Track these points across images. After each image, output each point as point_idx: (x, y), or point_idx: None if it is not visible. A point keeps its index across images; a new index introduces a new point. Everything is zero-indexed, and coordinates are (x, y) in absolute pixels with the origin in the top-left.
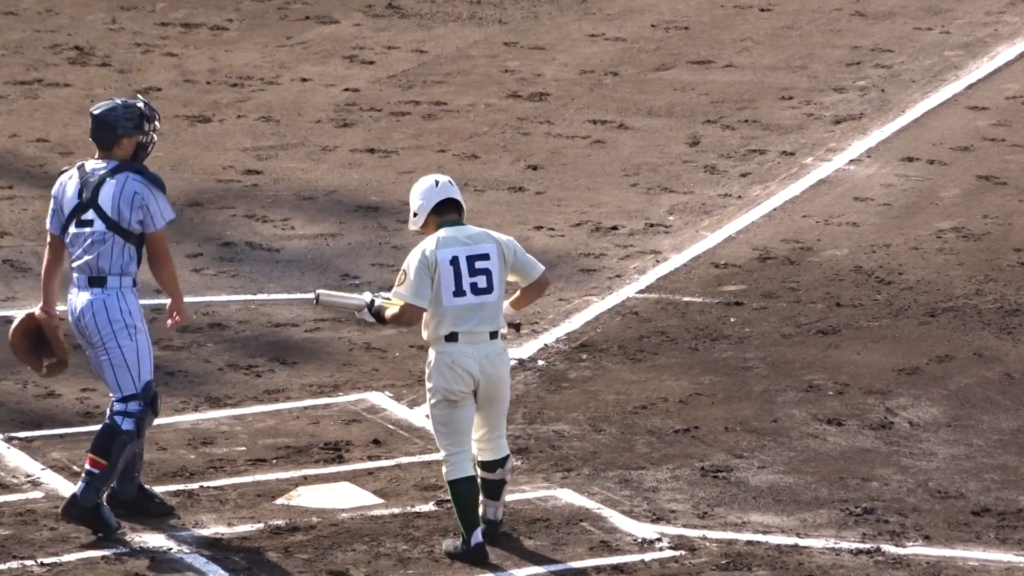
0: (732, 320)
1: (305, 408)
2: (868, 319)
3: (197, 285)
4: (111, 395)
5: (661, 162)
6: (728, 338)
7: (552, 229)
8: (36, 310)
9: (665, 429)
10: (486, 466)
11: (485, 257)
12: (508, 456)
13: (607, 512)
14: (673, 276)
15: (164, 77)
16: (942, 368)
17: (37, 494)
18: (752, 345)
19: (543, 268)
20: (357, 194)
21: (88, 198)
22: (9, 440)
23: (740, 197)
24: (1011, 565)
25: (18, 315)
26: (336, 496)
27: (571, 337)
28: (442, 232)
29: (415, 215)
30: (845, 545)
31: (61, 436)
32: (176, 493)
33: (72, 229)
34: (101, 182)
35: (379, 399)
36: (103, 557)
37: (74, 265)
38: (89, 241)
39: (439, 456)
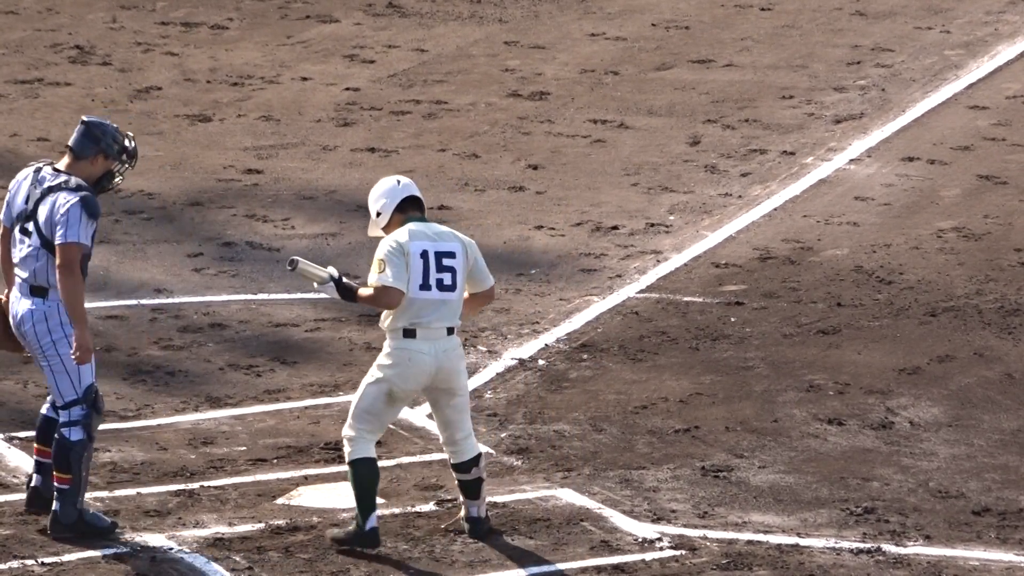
0: (733, 320)
1: (306, 408)
2: (869, 319)
3: (197, 285)
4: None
5: (662, 162)
6: (729, 338)
7: (553, 229)
8: (2, 296)
9: (666, 429)
10: (459, 468)
11: (451, 255)
12: (480, 455)
13: (608, 512)
14: (673, 276)
15: (164, 76)
16: (943, 368)
17: None
18: (753, 345)
19: (494, 281)
20: (357, 193)
21: (30, 210)
22: (9, 440)
23: (740, 197)
24: (1012, 565)
25: None
26: (337, 496)
27: (572, 337)
28: (412, 225)
29: (378, 215)
30: (846, 545)
31: None
32: (177, 493)
33: (16, 232)
34: (43, 197)
35: None
36: (103, 557)
37: (16, 267)
38: (27, 252)
39: (345, 432)
